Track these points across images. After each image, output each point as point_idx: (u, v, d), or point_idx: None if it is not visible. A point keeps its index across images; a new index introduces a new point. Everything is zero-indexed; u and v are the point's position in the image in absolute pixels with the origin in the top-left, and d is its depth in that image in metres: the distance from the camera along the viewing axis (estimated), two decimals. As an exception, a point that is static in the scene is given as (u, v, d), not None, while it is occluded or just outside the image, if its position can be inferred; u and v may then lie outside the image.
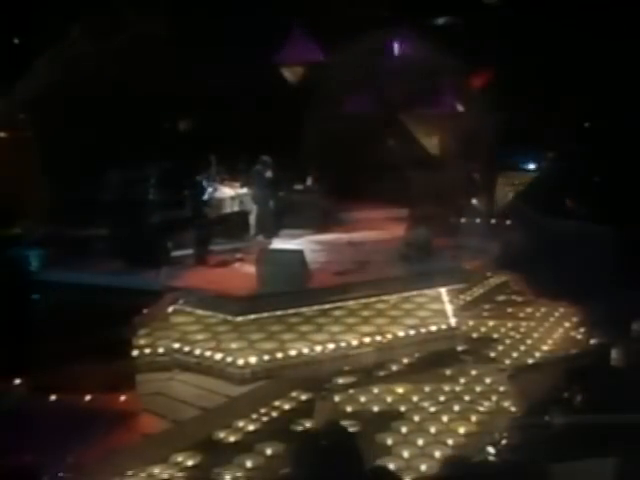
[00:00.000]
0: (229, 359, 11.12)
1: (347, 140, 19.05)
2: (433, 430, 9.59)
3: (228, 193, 15.75)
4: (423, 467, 8.67)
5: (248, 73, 18.60)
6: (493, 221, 18.14)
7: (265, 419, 10.08)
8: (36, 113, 16.97)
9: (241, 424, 9.89)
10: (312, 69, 19.53)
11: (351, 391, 10.81)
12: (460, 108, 19.82)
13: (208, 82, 17.86)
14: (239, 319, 12.04)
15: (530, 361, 11.80)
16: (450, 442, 9.27)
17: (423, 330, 12.34)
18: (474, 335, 12.89)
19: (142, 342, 11.56)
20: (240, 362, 11.00)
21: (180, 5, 17.78)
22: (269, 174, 15.90)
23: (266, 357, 11.18)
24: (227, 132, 17.73)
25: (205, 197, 15.03)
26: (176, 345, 11.61)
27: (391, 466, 8.49)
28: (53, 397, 9.46)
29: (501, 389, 10.73)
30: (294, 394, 10.71)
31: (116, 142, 16.08)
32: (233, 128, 18.01)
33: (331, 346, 11.63)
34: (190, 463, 8.94)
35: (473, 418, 9.90)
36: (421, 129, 19.80)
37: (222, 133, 17.64)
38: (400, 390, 10.79)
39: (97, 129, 16.23)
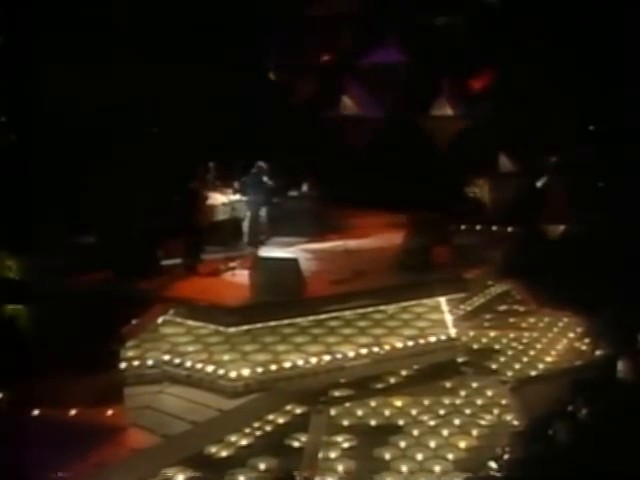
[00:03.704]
0: (221, 371, 11.07)
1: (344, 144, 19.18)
2: (433, 444, 9.58)
3: (220, 200, 15.71)
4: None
5: (243, 77, 18.70)
6: (494, 228, 18.17)
7: (258, 433, 10.06)
8: (24, 118, 16.98)
9: (233, 438, 9.87)
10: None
11: (347, 404, 10.79)
12: (459, 112, 19.88)
13: (202, 86, 17.93)
14: (231, 330, 12.00)
15: (533, 373, 11.80)
16: (450, 457, 9.26)
17: (422, 341, 12.31)
18: (475, 346, 12.87)
19: (131, 354, 11.50)
20: (232, 374, 10.95)
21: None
22: (265, 179, 15.89)
23: (259, 369, 11.13)
24: (220, 137, 17.73)
25: (196, 204, 15.00)
26: (166, 357, 11.55)
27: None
28: (37, 411, 9.41)
29: (503, 402, 10.72)
30: (288, 407, 10.70)
31: (104, 148, 16.07)
32: (226, 133, 18.02)
33: (327, 358, 11.60)
34: (180, 478, 8.91)
35: (474, 432, 9.88)
36: (419, 132, 19.84)
37: (215, 138, 17.64)
38: (398, 403, 10.78)
39: (86, 134, 16.22)
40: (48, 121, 16.22)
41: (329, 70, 20.13)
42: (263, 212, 16.19)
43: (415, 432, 9.92)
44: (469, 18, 20.06)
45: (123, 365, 11.12)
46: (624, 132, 17.29)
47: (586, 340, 12.82)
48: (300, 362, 11.42)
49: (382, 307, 13.09)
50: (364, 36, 20.52)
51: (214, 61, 18.09)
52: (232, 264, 14.26)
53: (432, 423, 10.17)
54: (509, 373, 11.78)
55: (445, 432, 9.89)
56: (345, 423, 10.26)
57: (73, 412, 9.53)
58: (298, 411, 10.63)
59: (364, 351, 11.88)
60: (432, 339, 12.39)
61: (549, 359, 12.32)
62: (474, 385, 11.35)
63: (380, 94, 20.26)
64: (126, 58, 16.95)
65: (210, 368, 11.19)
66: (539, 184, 18.58)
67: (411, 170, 18.14)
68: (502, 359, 12.33)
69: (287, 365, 11.32)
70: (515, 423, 10.02)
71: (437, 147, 19.52)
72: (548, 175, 18.60)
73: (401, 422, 10.23)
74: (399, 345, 12.16)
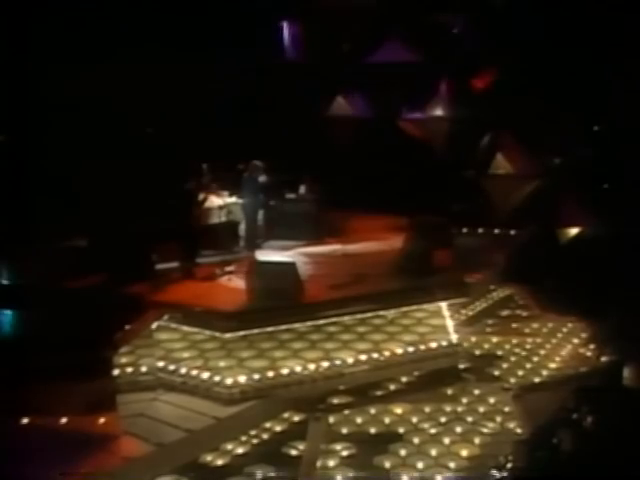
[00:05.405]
0: (217, 378, 11.03)
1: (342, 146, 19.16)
2: (434, 453, 9.54)
3: (216, 202, 15.68)
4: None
5: (237, 76, 18.69)
6: (496, 231, 18.15)
7: (255, 441, 10.02)
8: (15, 119, 16.97)
9: (229, 447, 9.83)
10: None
11: (346, 412, 10.76)
12: (460, 112, 19.87)
13: (196, 86, 17.92)
14: (227, 336, 11.97)
15: (536, 380, 11.77)
16: (452, 465, 9.22)
17: (423, 347, 12.27)
18: (477, 352, 12.83)
19: (124, 360, 11.45)
20: (228, 381, 10.91)
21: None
22: (262, 179, 15.88)
23: (256, 376, 11.10)
24: (216, 139, 17.71)
25: (192, 207, 14.97)
26: (160, 363, 11.51)
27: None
28: (28, 419, 9.36)
29: (506, 409, 10.69)
30: (286, 415, 10.68)
31: (98, 150, 16.05)
32: (222, 135, 18.00)
33: (325, 364, 11.55)
34: (175, 488, 8.90)
35: (476, 440, 9.85)
36: (418, 134, 19.84)
37: (211, 140, 17.62)
38: (398, 410, 10.74)
39: (79, 136, 16.20)
40: (40, 122, 16.21)
41: (328, 70, 20.11)
42: (260, 215, 16.18)
43: (416, 440, 9.88)
44: (469, 18, 20.08)
45: (116, 372, 11.08)
46: (625, 132, 17.31)
47: (591, 346, 12.79)
48: (298, 368, 11.38)
49: (382, 312, 13.05)
50: (364, 36, 20.53)
51: (211, 60, 18.10)
52: (228, 268, 14.24)
53: (433, 431, 10.13)
54: (512, 380, 11.74)
55: (446, 440, 9.85)
56: (344, 431, 10.22)
57: (65, 420, 9.48)
58: (296, 419, 10.60)
59: (363, 357, 11.84)
60: (433, 345, 12.35)
61: (553, 365, 12.28)
62: (476, 392, 11.31)
63: (379, 94, 20.25)
64: (120, 57, 16.96)
65: (206, 375, 11.14)
66: (542, 186, 18.57)
67: (411, 172, 18.13)
68: (505, 365, 12.30)
69: (285, 372, 11.27)
70: (518, 431, 9.98)
71: (438, 148, 19.51)
72: (551, 177, 18.59)
73: (401, 430, 10.19)
74: (399, 351, 12.12)
